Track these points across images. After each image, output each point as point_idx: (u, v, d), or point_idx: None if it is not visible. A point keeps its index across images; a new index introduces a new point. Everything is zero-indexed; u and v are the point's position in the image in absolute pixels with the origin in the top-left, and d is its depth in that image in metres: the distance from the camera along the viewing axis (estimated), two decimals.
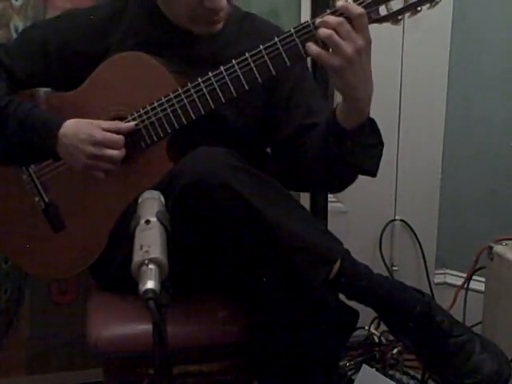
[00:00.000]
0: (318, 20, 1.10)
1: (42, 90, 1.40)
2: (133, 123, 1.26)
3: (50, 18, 1.39)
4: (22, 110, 1.27)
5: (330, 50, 1.08)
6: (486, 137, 1.97)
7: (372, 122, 1.20)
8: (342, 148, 1.17)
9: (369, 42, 1.09)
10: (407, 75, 1.89)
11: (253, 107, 1.33)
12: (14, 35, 1.61)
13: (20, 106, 1.27)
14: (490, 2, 1.89)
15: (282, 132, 1.34)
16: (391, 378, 1.73)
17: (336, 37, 1.06)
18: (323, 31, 1.07)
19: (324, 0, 1.69)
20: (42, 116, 1.28)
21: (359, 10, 1.07)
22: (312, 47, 1.10)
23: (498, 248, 1.59)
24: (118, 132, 1.25)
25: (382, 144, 1.23)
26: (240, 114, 1.32)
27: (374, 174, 1.24)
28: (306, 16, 1.75)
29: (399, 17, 1.12)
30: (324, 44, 1.09)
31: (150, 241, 0.79)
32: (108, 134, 1.24)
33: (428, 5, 1.10)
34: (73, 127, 1.25)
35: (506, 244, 1.60)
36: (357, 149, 1.17)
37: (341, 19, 1.07)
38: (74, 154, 1.25)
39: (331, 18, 1.08)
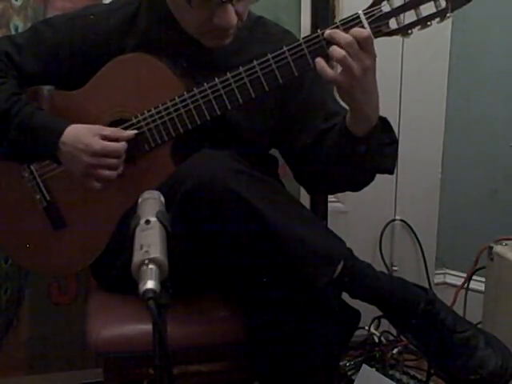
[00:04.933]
0: (327, 31, 1.11)
1: (46, 88, 1.40)
2: (133, 132, 1.25)
3: (63, 16, 1.35)
4: (24, 114, 1.26)
5: (339, 68, 1.09)
6: (486, 137, 1.97)
7: (384, 121, 1.21)
8: (356, 152, 1.18)
9: (375, 59, 1.10)
10: (407, 75, 1.90)
11: (264, 113, 1.32)
12: None
13: (23, 109, 1.26)
14: (490, 3, 1.89)
15: (301, 138, 1.32)
16: (391, 378, 1.74)
17: (349, 59, 1.07)
18: (337, 52, 1.08)
19: (324, 0, 1.69)
20: (44, 121, 1.27)
21: (365, 33, 1.08)
22: (325, 69, 1.10)
23: (497, 248, 1.59)
24: (117, 141, 1.24)
25: (396, 141, 1.24)
26: (250, 119, 1.32)
27: (391, 172, 1.26)
28: (306, 16, 1.75)
29: (409, 30, 1.12)
30: (328, 58, 1.10)
31: (150, 241, 0.79)
32: (106, 143, 1.23)
33: (438, 19, 1.11)
34: (72, 135, 1.24)
35: (506, 244, 1.60)
36: (371, 151, 1.18)
37: (350, 39, 1.07)
38: (73, 161, 1.25)
39: (342, 36, 1.08)
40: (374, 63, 1.10)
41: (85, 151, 1.22)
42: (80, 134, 1.24)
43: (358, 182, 1.30)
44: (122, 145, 1.24)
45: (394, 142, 1.24)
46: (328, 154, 1.25)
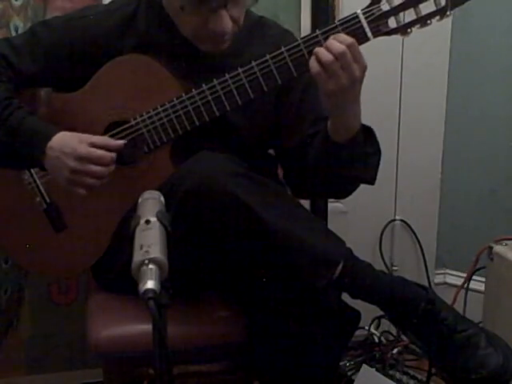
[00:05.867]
0: (324, 44, 1.09)
1: (44, 90, 1.39)
2: (122, 141, 1.24)
3: (62, 17, 1.35)
4: (14, 119, 1.24)
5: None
6: (486, 137, 1.97)
7: (368, 130, 1.20)
8: (336, 158, 1.18)
9: (364, 70, 1.09)
10: (407, 75, 1.90)
11: (262, 114, 1.32)
12: (14, 35, 1.61)
13: (13, 114, 1.25)
14: (491, 2, 1.89)
15: (289, 140, 1.33)
16: (391, 378, 1.74)
17: (335, 65, 1.07)
18: (325, 55, 1.07)
19: (324, 0, 1.69)
20: (33, 126, 1.25)
21: (349, 40, 1.07)
22: (314, 64, 1.09)
23: (498, 248, 1.59)
24: (106, 148, 1.22)
25: (379, 152, 1.24)
26: (248, 120, 1.31)
27: (371, 183, 1.25)
28: (306, 16, 1.75)
29: (408, 29, 1.12)
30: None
31: (150, 241, 0.78)
32: (93, 149, 1.21)
33: (438, 17, 1.10)
34: (60, 140, 1.22)
35: (506, 244, 1.60)
36: (351, 159, 1.18)
37: (344, 49, 1.06)
38: (58, 167, 1.22)
39: (336, 45, 1.07)
40: (363, 75, 1.10)
41: (70, 155, 1.20)
42: (68, 140, 1.22)
43: (339, 190, 1.30)
44: (110, 154, 1.22)
45: (377, 152, 1.23)
46: (312, 158, 1.25)
